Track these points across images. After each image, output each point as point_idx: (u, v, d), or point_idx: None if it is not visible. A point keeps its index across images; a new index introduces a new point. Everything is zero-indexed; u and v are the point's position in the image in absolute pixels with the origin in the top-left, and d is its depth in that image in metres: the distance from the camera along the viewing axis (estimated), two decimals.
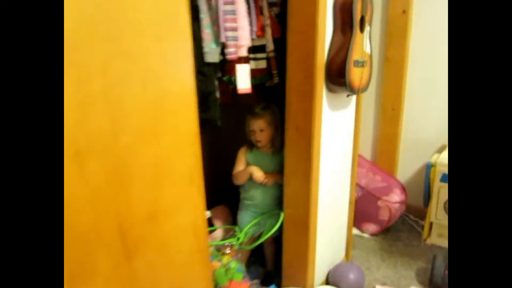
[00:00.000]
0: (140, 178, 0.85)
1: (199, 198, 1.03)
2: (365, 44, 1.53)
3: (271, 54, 1.68)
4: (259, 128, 1.77)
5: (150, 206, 0.88)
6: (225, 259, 1.72)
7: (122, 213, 0.81)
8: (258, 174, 1.77)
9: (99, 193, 0.75)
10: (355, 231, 2.52)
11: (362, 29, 1.49)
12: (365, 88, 1.60)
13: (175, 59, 0.89)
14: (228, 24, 1.45)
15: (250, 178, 1.82)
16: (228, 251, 1.77)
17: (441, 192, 2.25)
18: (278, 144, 1.81)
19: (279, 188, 1.78)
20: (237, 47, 1.52)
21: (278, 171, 1.81)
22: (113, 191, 0.78)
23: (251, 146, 1.86)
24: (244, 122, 1.83)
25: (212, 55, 1.47)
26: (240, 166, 1.88)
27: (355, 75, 1.49)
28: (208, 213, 1.94)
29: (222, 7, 1.42)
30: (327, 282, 1.95)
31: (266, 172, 1.80)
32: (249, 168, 1.81)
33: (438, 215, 2.30)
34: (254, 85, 1.68)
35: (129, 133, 0.80)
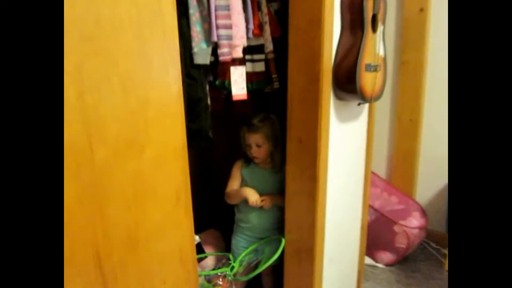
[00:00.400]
0: (118, 197, 0.85)
1: (187, 221, 1.03)
2: (378, 45, 1.55)
3: (270, 56, 1.70)
4: (256, 143, 1.78)
5: (130, 230, 0.88)
6: None
7: (98, 238, 0.81)
8: (253, 198, 1.78)
9: (71, 216, 0.75)
10: (367, 260, 2.52)
11: (374, 29, 1.51)
12: (378, 96, 1.62)
13: (159, 61, 0.90)
14: (221, 21, 1.47)
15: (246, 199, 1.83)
16: (220, 282, 1.76)
17: None
18: (278, 159, 1.82)
19: (280, 209, 1.78)
20: (231, 47, 1.54)
21: (278, 190, 1.81)
22: (87, 213, 0.78)
23: (248, 160, 1.87)
24: (239, 134, 1.85)
25: (202, 56, 1.48)
26: (234, 183, 1.89)
27: (367, 80, 1.50)
28: (197, 238, 1.94)
29: (214, 2, 1.44)
30: None
31: (263, 193, 1.81)
32: (243, 191, 1.82)
33: None
34: (250, 91, 1.70)
35: (106, 146, 0.81)
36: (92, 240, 0.80)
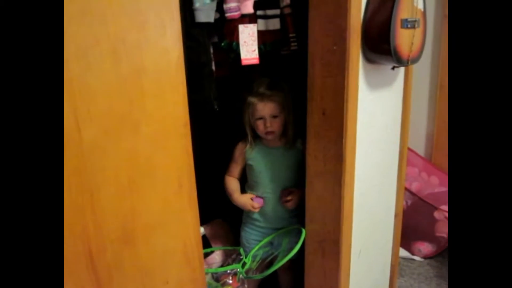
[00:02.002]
0: (111, 184, 0.86)
1: (191, 210, 1.04)
2: None
3: (287, 11, 1.68)
4: (271, 113, 1.77)
5: (125, 221, 0.89)
6: None
7: (89, 231, 0.82)
8: (253, 206, 1.85)
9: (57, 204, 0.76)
10: (402, 252, 2.53)
11: None
12: (417, 58, 1.60)
13: (156, 20, 0.90)
14: None
15: (256, 182, 1.84)
16: (230, 281, 1.78)
17: None
18: (291, 133, 1.82)
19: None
20: (240, 1, 1.52)
21: (295, 171, 1.82)
22: (76, 202, 0.79)
23: (253, 139, 1.86)
24: (244, 108, 1.83)
25: (205, 12, 1.47)
26: (234, 169, 1.92)
27: (404, 39, 1.48)
28: (201, 230, 1.96)
29: None
30: None
31: (277, 176, 1.83)
32: (237, 201, 1.89)
33: None
34: (263, 54, 1.68)
35: (95, 123, 0.81)
36: (82, 234, 0.81)
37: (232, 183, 1.93)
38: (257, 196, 1.88)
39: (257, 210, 1.86)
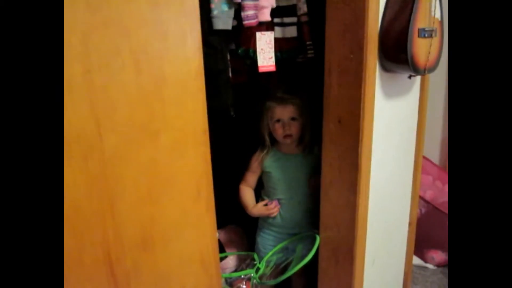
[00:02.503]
0: (131, 191, 0.87)
1: (208, 217, 1.05)
2: (434, 6, 1.52)
3: (304, 19, 1.68)
4: (290, 116, 1.78)
5: (144, 228, 0.90)
6: None
7: (108, 237, 0.83)
8: (270, 210, 1.86)
9: (79, 211, 0.77)
10: (416, 261, 2.52)
11: None
12: (433, 67, 1.59)
13: (177, 30, 0.91)
14: None
15: (274, 188, 1.84)
16: (243, 286, 1.79)
17: None
18: (308, 139, 1.82)
19: (314, 200, 1.79)
20: (257, 8, 1.53)
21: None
22: (97, 209, 0.81)
23: (269, 146, 1.87)
24: (261, 113, 1.84)
25: (223, 20, 1.48)
26: (250, 178, 1.93)
27: (421, 48, 1.48)
28: (216, 234, 1.97)
29: None
30: None
31: (296, 183, 1.84)
32: (253, 211, 1.90)
33: None
34: (279, 61, 1.69)
35: (116, 131, 0.83)
36: (102, 240, 0.83)
37: (247, 195, 1.93)
38: (270, 201, 1.88)
39: (276, 211, 1.87)
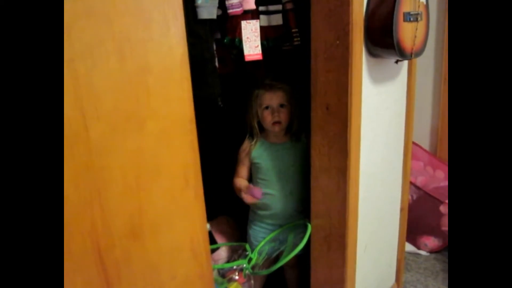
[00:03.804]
0: (118, 180, 0.87)
1: (198, 206, 1.05)
2: None
3: (289, 6, 1.69)
4: (279, 102, 1.79)
5: (133, 217, 0.90)
6: (233, 287, 1.75)
7: (97, 228, 0.83)
8: (247, 193, 1.78)
9: (67, 201, 0.77)
10: (408, 247, 2.54)
11: None
12: (420, 51, 1.61)
13: (160, 18, 0.91)
14: None
15: (263, 180, 1.85)
16: (236, 276, 1.80)
17: None
18: (296, 127, 1.83)
19: (306, 189, 1.79)
20: None
21: (301, 165, 1.84)
22: (84, 199, 0.81)
23: (258, 135, 1.87)
24: (250, 102, 1.85)
25: (207, 9, 1.49)
26: (241, 170, 1.93)
27: (407, 33, 1.49)
28: (208, 226, 1.98)
29: None
30: None
31: (285, 172, 1.85)
32: (240, 189, 1.83)
33: None
34: (266, 49, 1.69)
35: (102, 121, 0.83)
36: (91, 230, 0.83)
37: (241, 181, 1.92)
38: (257, 187, 1.80)
39: (251, 199, 1.78)
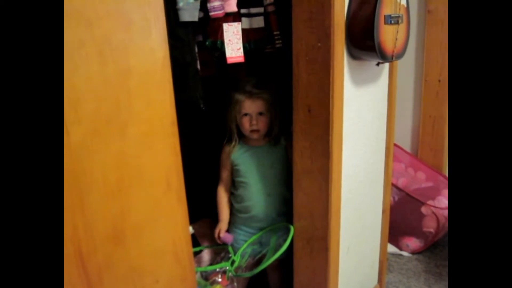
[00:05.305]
0: (100, 184, 0.87)
1: (180, 209, 1.05)
2: None
3: (271, 8, 1.69)
4: (258, 110, 1.79)
5: (115, 221, 0.90)
6: None
7: (79, 232, 0.83)
8: (219, 237, 1.94)
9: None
10: (391, 248, 2.56)
11: None
12: (401, 53, 1.62)
13: (141, 21, 0.91)
14: None
15: (243, 183, 1.86)
16: (219, 279, 1.79)
17: None
18: (276, 132, 1.84)
19: (287, 191, 1.80)
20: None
21: (280, 169, 1.85)
22: (65, 203, 0.80)
23: (237, 138, 1.88)
24: (229, 106, 1.84)
25: (189, 12, 1.48)
26: (224, 174, 1.95)
27: (387, 35, 1.50)
28: (190, 229, 1.97)
29: None
30: None
31: (264, 176, 1.86)
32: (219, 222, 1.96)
33: None
34: (248, 52, 1.70)
35: (83, 125, 0.83)
36: (73, 234, 0.83)
37: (221, 202, 1.98)
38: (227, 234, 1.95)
39: (219, 241, 1.96)
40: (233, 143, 1.89)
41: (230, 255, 1.88)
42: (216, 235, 1.94)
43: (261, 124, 1.80)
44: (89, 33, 0.82)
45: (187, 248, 1.09)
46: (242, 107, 1.79)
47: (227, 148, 1.90)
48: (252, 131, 1.81)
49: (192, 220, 2.10)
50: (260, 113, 1.79)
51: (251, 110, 1.79)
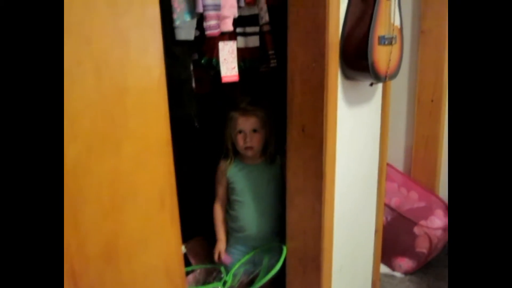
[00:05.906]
0: (93, 202, 0.86)
1: (173, 228, 1.05)
2: (393, 14, 1.56)
3: (266, 28, 1.70)
4: (252, 127, 1.79)
5: (108, 239, 0.90)
6: None
7: (71, 250, 0.82)
8: (219, 257, 1.95)
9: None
10: (383, 269, 2.56)
11: None
12: (394, 74, 1.63)
13: (138, 39, 0.92)
14: None
15: (238, 201, 1.85)
16: None
17: None
18: (272, 151, 1.85)
19: (281, 211, 1.80)
20: (220, 18, 1.54)
21: (275, 187, 1.84)
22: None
23: (233, 156, 1.88)
24: (225, 123, 1.85)
25: (185, 30, 1.49)
26: (219, 190, 1.95)
27: (381, 56, 1.52)
28: (183, 248, 1.96)
29: None
30: None
31: (258, 194, 1.86)
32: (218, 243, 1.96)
33: None
34: (243, 71, 1.71)
35: (78, 142, 0.83)
36: (65, 252, 0.82)
37: (218, 217, 1.97)
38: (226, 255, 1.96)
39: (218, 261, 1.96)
40: (229, 160, 1.89)
41: (222, 275, 1.87)
42: (216, 257, 1.94)
43: (255, 141, 1.80)
44: (86, 49, 0.82)
45: (180, 268, 1.08)
46: (236, 124, 1.81)
47: (223, 165, 1.91)
48: (246, 148, 1.82)
49: (185, 239, 2.10)
50: (254, 130, 1.80)
51: (245, 127, 1.80)
